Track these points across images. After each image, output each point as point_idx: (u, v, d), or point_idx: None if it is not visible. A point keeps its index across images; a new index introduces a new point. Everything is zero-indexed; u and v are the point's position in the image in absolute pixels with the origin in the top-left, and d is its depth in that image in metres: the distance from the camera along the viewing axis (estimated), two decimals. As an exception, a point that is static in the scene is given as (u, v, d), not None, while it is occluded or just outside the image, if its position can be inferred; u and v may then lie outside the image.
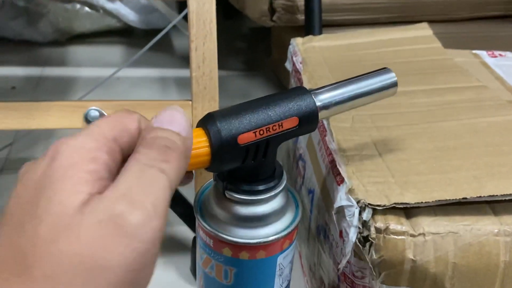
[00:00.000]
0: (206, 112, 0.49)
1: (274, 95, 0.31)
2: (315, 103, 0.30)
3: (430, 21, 0.68)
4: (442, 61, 0.52)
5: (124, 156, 0.22)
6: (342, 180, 0.34)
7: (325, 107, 0.31)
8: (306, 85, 0.47)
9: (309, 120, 0.30)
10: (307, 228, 0.45)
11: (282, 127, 0.29)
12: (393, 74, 0.33)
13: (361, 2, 0.75)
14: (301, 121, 0.30)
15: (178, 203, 0.54)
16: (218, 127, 0.28)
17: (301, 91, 0.31)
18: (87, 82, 0.90)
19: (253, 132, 0.28)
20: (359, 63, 0.53)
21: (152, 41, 0.70)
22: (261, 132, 0.29)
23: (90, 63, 0.97)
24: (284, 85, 0.91)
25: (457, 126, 0.40)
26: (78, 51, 1.02)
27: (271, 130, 0.29)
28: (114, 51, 1.03)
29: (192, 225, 0.54)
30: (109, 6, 1.00)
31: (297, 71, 0.53)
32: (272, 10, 0.74)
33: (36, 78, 0.92)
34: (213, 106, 0.48)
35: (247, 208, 0.30)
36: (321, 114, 0.31)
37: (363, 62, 0.53)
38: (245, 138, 0.28)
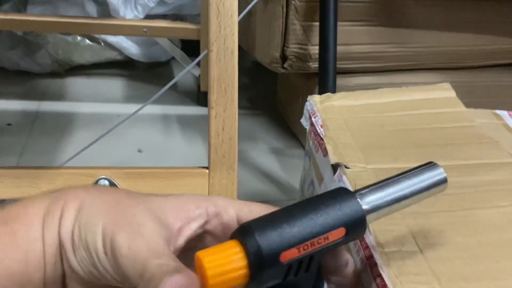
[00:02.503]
0: (223, 181, 0.46)
1: (315, 200, 0.28)
2: (362, 209, 0.28)
3: (443, 69, 0.66)
4: (469, 129, 0.50)
5: None
6: (385, 286, 0.31)
7: (373, 210, 0.28)
8: (332, 157, 0.45)
9: (357, 228, 0.28)
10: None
11: (328, 240, 0.27)
12: (441, 170, 0.31)
13: (374, 50, 0.73)
14: (348, 230, 0.27)
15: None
16: (258, 243, 0.24)
17: (346, 195, 0.28)
18: (86, 118, 0.87)
19: (297, 248, 0.26)
20: (382, 128, 0.51)
21: (168, 84, 0.68)
22: (306, 247, 0.26)
23: (90, 98, 0.94)
24: (289, 126, 0.89)
25: (498, 215, 0.37)
26: (77, 83, 0.99)
27: (316, 244, 0.26)
28: (115, 84, 1.00)
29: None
30: (111, 39, 0.97)
31: (317, 135, 0.51)
32: (284, 57, 0.72)
33: (33, 113, 0.88)
34: (231, 175, 0.46)
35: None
36: (368, 219, 0.28)
37: (386, 127, 0.51)
38: (288, 255, 0.25)
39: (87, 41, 0.97)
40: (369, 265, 0.34)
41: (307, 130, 0.56)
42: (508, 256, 0.33)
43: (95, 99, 0.93)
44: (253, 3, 0.64)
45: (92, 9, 0.93)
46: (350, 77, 0.74)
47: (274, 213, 0.27)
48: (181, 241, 0.28)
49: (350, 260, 0.29)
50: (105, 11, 0.94)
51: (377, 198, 0.29)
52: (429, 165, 0.31)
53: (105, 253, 0.25)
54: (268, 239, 0.25)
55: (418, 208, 0.38)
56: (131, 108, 0.91)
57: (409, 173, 0.31)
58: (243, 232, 0.25)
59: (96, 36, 0.96)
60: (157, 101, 0.98)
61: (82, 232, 0.26)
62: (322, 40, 0.65)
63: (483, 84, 0.81)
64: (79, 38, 0.96)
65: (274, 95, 0.97)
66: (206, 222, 0.30)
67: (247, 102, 1.00)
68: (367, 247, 0.35)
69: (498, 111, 0.59)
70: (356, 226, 0.28)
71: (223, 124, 0.44)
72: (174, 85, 1.06)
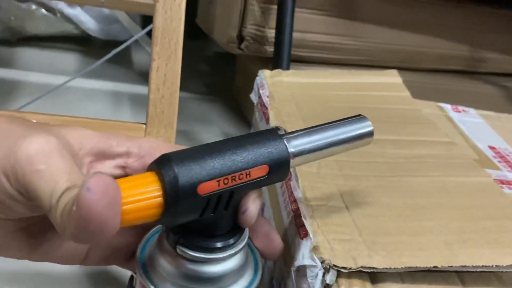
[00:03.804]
0: (160, 139, 0.44)
1: (242, 137, 0.27)
2: (287, 150, 0.27)
3: (397, 68, 0.68)
4: (411, 111, 0.51)
5: None
6: (306, 234, 0.30)
7: (298, 154, 0.28)
8: (273, 121, 0.44)
9: (280, 169, 0.27)
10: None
11: (250, 176, 0.25)
12: (369, 123, 0.31)
13: (330, 41, 0.74)
14: (271, 169, 0.26)
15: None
16: (176, 173, 0.23)
17: (273, 135, 0.27)
18: (34, 88, 0.84)
19: (217, 181, 0.24)
20: (327, 104, 0.51)
21: (111, 52, 0.66)
22: (226, 181, 0.25)
23: (40, 68, 0.90)
24: (245, 113, 0.88)
25: (427, 183, 0.38)
26: (29, 53, 0.95)
27: (237, 179, 0.25)
28: (68, 59, 0.97)
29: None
30: (68, 11, 0.94)
31: (263, 105, 0.50)
32: (240, 38, 0.72)
33: (-23, 78, 0.84)
34: (170, 133, 0.44)
35: (201, 267, 0.26)
36: (293, 162, 0.28)
37: (332, 103, 0.51)
38: (207, 188, 0.24)
39: (43, 10, 0.93)
40: (294, 218, 0.33)
41: (255, 104, 0.56)
42: (430, 217, 0.33)
43: (45, 70, 0.90)
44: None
45: (50, -23, 0.90)
46: (305, 66, 0.74)
47: (197, 147, 0.26)
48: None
49: (249, 210, 0.26)
50: (64, -19, 0.91)
51: (304, 143, 0.28)
52: (358, 117, 0.31)
53: (6, 176, 0.23)
54: (186, 169, 0.23)
55: (349, 171, 0.38)
56: (82, 82, 0.89)
57: (338, 122, 0.30)
58: (161, 162, 0.24)
59: (53, 6, 0.93)
60: (111, 78, 0.96)
61: None
62: (279, 23, 0.66)
63: (433, 86, 0.83)
64: (34, 6, 0.92)
65: (232, 84, 0.97)
66: (126, 163, 0.28)
67: (205, 88, 0.99)
68: (294, 200, 0.34)
69: (442, 104, 0.61)
70: (279, 166, 0.27)
71: (164, 79, 0.43)
72: (130, 63, 1.04)
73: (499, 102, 0.84)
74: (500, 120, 0.61)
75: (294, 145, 0.28)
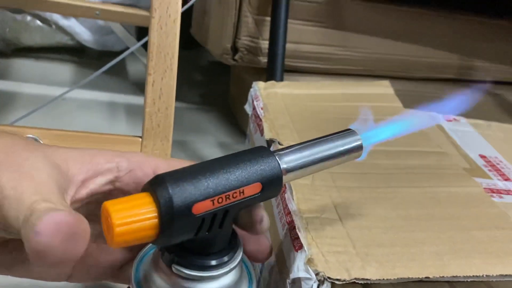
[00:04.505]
0: (156, 152, 0.45)
1: (234, 156, 0.27)
2: (279, 167, 0.27)
3: (390, 77, 0.69)
4: (403, 121, 0.52)
5: None
6: (301, 246, 0.31)
7: (290, 170, 0.28)
8: (267, 134, 0.45)
9: (273, 185, 0.27)
10: None
11: (243, 194, 0.26)
12: (358, 137, 0.32)
13: (323, 51, 0.75)
14: (265, 186, 0.27)
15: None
16: (170, 194, 0.23)
17: (265, 152, 0.28)
18: (30, 100, 0.84)
19: (211, 200, 0.24)
20: (321, 115, 0.52)
21: (107, 64, 0.66)
22: (220, 200, 0.25)
23: (36, 80, 0.91)
24: (240, 123, 0.89)
25: (419, 194, 0.38)
26: (24, 65, 0.96)
27: (231, 197, 0.25)
28: (63, 70, 0.97)
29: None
30: (63, 22, 0.95)
31: (257, 116, 0.51)
32: (235, 49, 0.72)
33: (-29, 89, 0.84)
34: (165, 146, 0.45)
35: (197, 285, 0.26)
36: (285, 178, 0.28)
37: (325, 114, 0.52)
38: (202, 208, 0.24)
39: (38, 22, 0.94)
40: (289, 230, 0.34)
41: (249, 115, 0.56)
42: (422, 228, 0.34)
43: (40, 81, 0.90)
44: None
45: (46, -10, 0.90)
46: (298, 76, 0.75)
47: (190, 166, 0.26)
48: (82, 193, 0.27)
49: (265, 217, 0.28)
50: (60, -6, 0.92)
51: (295, 159, 0.29)
52: (348, 132, 0.32)
53: None
54: (181, 189, 0.24)
55: (343, 183, 0.39)
56: (78, 93, 0.89)
57: (328, 137, 0.31)
58: (155, 183, 0.24)
59: (48, 17, 0.94)
60: (106, 89, 0.97)
61: None
62: (272, 34, 0.66)
63: (425, 95, 0.84)
64: (29, 17, 0.93)
65: (227, 93, 0.98)
66: (116, 178, 0.28)
67: (200, 98, 0.99)
68: (289, 213, 0.35)
69: (433, 113, 0.62)
70: (272, 183, 0.27)
71: (160, 93, 0.44)
72: (126, 74, 1.04)
73: (490, 109, 0.86)
74: (490, 128, 0.62)
75: (286, 161, 0.28)
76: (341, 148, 0.30)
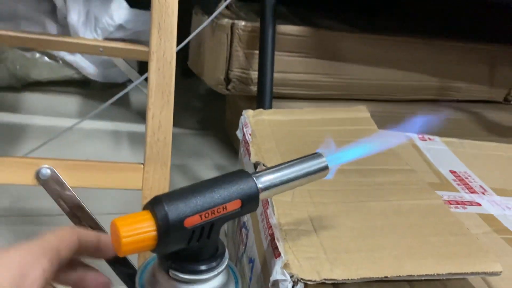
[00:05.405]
0: (156, 176, 0.51)
1: (218, 178, 0.33)
2: (256, 186, 0.33)
3: (370, 100, 0.74)
4: (377, 143, 0.58)
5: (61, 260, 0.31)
6: (279, 254, 0.37)
7: (265, 189, 0.34)
8: (253, 157, 0.51)
9: (251, 202, 0.33)
10: (246, 294, 0.47)
11: (226, 210, 0.32)
12: (324, 159, 0.37)
13: (309, 79, 0.82)
14: (244, 202, 0.32)
15: (120, 263, 0.55)
16: (166, 211, 0.29)
17: (244, 174, 0.34)
18: (39, 131, 0.90)
19: (199, 215, 0.30)
20: (303, 139, 0.58)
21: (114, 97, 0.73)
22: (207, 215, 0.31)
23: (45, 112, 0.97)
24: (235, 146, 0.95)
25: (385, 207, 0.44)
26: (34, 98, 1.03)
27: (216, 212, 0.31)
28: (70, 101, 1.04)
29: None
30: (69, 58, 1.02)
31: (246, 142, 0.57)
32: (228, 80, 0.79)
33: (-14, 124, 0.91)
34: (164, 171, 0.51)
35: (191, 287, 0.32)
36: (262, 195, 0.34)
37: (307, 138, 0.58)
38: (192, 221, 0.30)
39: (46, 58, 1.01)
40: (271, 241, 0.40)
41: (240, 140, 0.62)
42: (385, 236, 0.40)
43: (49, 113, 0.97)
44: (200, 27, 0.71)
45: (52, 29, 0.98)
46: (287, 102, 0.81)
47: (182, 188, 0.32)
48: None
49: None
50: (66, 31, 0.99)
51: (270, 179, 0.34)
52: (315, 155, 0.37)
53: None
54: (174, 207, 0.30)
55: (319, 198, 0.45)
56: (84, 123, 0.96)
57: (298, 160, 0.37)
58: (154, 203, 0.30)
59: (55, 54, 1.01)
60: (111, 118, 1.03)
61: None
62: (260, 66, 0.73)
63: (403, 116, 0.90)
64: (38, 55, 1.00)
65: (223, 119, 1.04)
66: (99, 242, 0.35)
67: (197, 123, 1.06)
68: (270, 226, 0.41)
69: (409, 134, 0.68)
70: (250, 200, 0.33)
71: (159, 125, 0.50)
72: (128, 104, 1.11)
73: (467, 126, 0.92)
74: (463, 146, 0.68)
75: (261, 182, 0.34)
76: (309, 169, 0.36)
